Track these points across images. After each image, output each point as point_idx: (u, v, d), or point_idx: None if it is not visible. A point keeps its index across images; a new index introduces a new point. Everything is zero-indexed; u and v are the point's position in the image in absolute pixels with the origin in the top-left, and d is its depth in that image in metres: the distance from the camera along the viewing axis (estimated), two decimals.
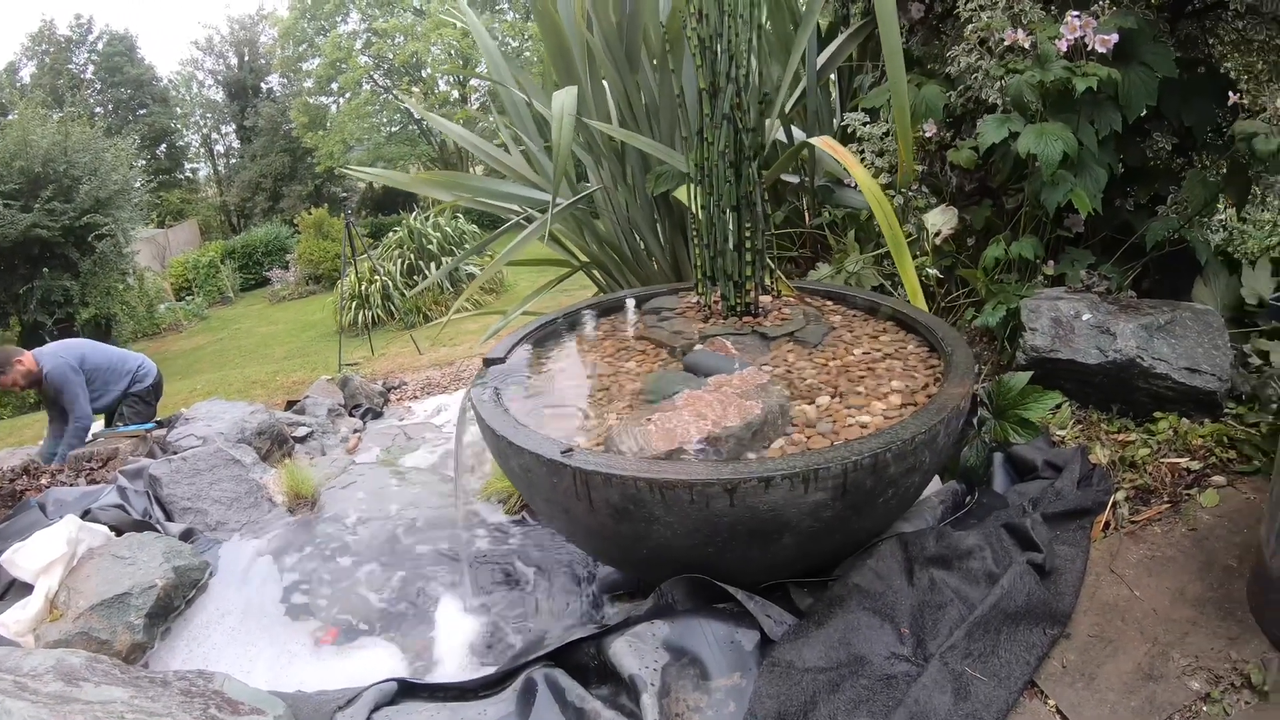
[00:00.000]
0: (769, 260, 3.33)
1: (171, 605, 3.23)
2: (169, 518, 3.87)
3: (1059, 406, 3.05)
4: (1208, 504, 2.62)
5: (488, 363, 3.01)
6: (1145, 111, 3.24)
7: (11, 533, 3.52)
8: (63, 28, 34.07)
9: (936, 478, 2.98)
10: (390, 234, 15.82)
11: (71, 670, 2.37)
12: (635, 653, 2.22)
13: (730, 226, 3.09)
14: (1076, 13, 3.17)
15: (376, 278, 13.30)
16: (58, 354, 5.59)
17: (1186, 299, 3.44)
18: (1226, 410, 2.95)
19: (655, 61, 4.24)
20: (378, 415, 6.04)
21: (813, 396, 2.59)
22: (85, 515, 3.67)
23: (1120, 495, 2.71)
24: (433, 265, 14.29)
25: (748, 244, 3.10)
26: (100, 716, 2.11)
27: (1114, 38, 3.11)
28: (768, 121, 4.12)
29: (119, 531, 3.60)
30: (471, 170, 25.75)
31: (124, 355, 5.98)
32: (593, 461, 2.20)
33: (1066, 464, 2.80)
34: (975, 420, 3.05)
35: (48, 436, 5.80)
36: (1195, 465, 2.77)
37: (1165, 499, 2.69)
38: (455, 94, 29.26)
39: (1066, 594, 2.35)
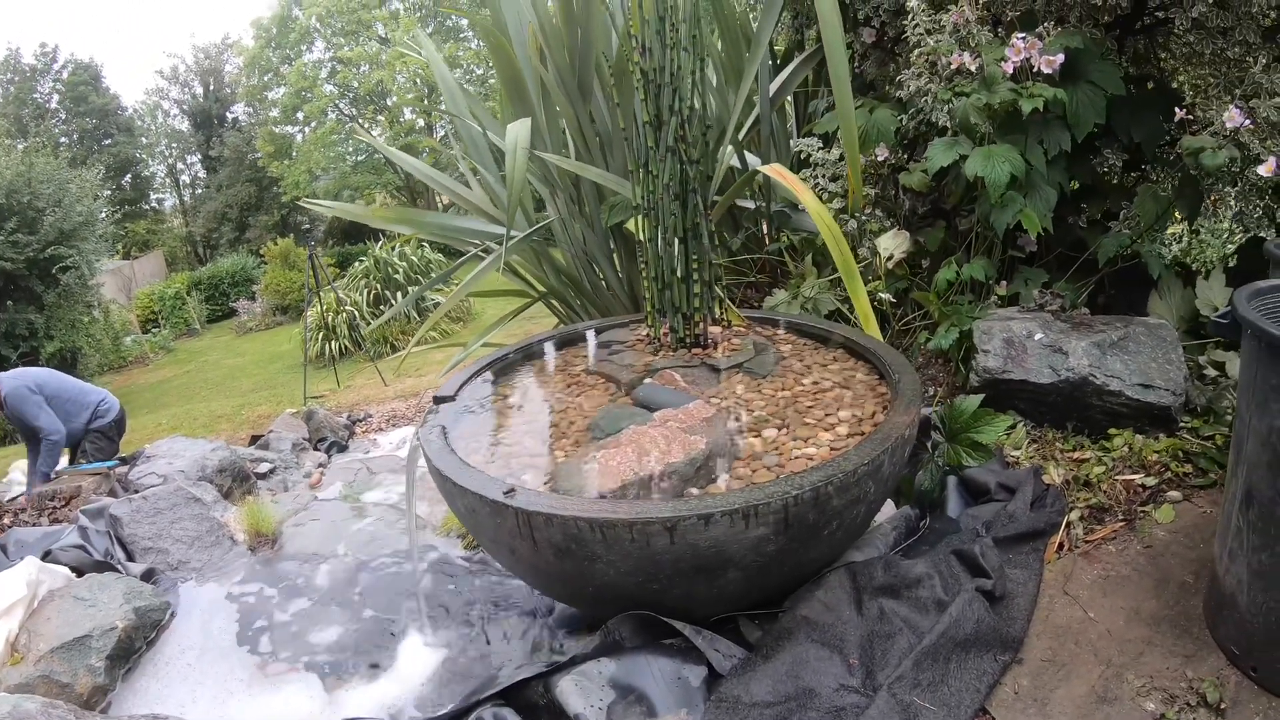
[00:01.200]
0: (718, 290, 3.32)
1: (133, 647, 3.20)
2: (130, 557, 3.84)
3: (1012, 428, 3.05)
4: (1163, 520, 2.61)
5: (438, 400, 2.99)
6: (1095, 129, 3.25)
7: None
8: (28, 56, 34.00)
9: (890, 503, 2.97)
10: (357, 264, 15.79)
11: (27, 716, 2.41)
12: (581, 691, 2.19)
13: (677, 258, 3.09)
14: (1022, 34, 3.19)
15: (343, 308, 13.24)
16: (16, 376, 5.64)
17: (1142, 313, 3.45)
18: (1182, 424, 2.95)
19: (607, 93, 4.24)
20: (343, 448, 6.01)
21: (760, 429, 2.58)
22: (46, 556, 3.64)
23: (1075, 515, 2.70)
24: (399, 295, 14.29)
25: (695, 275, 3.10)
26: None
27: (1060, 58, 3.14)
28: (722, 149, 4.12)
29: (80, 572, 3.57)
30: (437, 198, 25.78)
31: (85, 388, 5.96)
32: (534, 502, 2.18)
33: (1020, 486, 2.79)
34: (929, 444, 3.04)
35: (30, 467, 5.82)
36: (1151, 481, 2.76)
37: (1120, 517, 2.67)
38: (421, 122, 29.27)
39: (1018, 619, 2.33)
